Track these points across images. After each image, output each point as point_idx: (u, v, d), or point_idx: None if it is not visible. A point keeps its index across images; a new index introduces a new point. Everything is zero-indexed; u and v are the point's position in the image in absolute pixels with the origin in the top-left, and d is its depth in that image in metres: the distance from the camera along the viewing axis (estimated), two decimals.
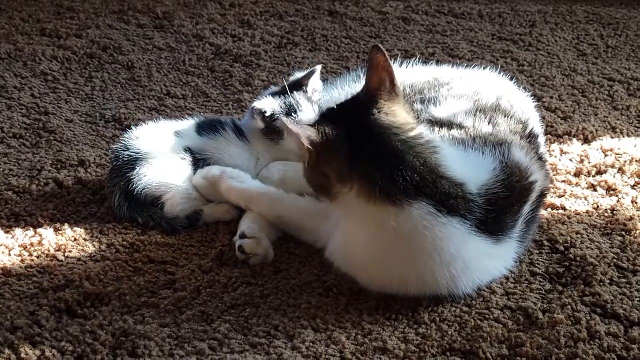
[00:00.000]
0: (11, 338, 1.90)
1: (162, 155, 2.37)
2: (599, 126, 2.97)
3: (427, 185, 1.84)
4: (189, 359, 1.87)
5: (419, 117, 2.13)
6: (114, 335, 1.92)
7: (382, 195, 1.83)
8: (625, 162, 2.71)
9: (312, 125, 1.89)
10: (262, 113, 2.40)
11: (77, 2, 4.28)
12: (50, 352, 1.87)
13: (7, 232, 2.33)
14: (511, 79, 3.12)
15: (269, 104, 2.41)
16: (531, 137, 2.24)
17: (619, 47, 3.79)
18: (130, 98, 3.22)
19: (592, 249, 2.24)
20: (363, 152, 1.86)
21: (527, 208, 2.06)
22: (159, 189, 2.34)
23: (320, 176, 1.92)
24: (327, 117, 1.94)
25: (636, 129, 2.98)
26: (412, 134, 1.89)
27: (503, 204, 1.95)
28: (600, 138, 2.88)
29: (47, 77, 3.39)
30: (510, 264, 2.09)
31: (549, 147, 2.81)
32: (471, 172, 1.93)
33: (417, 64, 2.61)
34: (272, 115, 2.42)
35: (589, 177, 2.64)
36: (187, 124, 2.48)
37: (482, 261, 1.98)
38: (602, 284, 2.11)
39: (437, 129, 2.11)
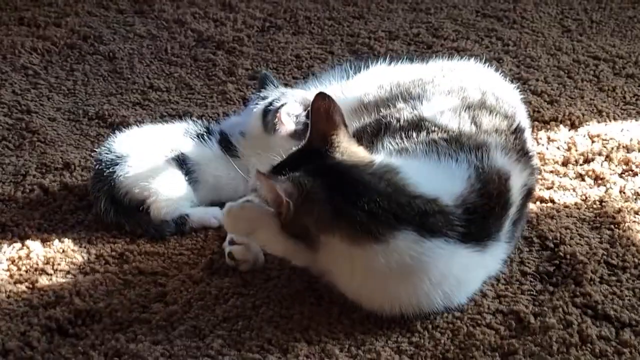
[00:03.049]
0: None
1: (145, 157, 2.35)
2: (586, 110, 2.96)
3: (403, 209, 1.83)
4: None
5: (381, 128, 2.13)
6: (107, 356, 1.92)
7: (365, 234, 1.83)
8: (612, 148, 2.71)
9: (282, 175, 1.89)
10: (292, 115, 2.42)
11: None
12: None
13: None
14: (497, 60, 3.13)
15: (293, 104, 2.42)
16: (517, 132, 2.22)
17: (603, 21, 3.77)
18: (113, 92, 3.19)
19: (582, 245, 2.24)
20: (339, 195, 1.85)
21: (512, 210, 2.05)
22: (142, 192, 2.31)
23: (300, 229, 1.90)
24: (285, 169, 1.93)
25: (622, 111, 2.98)
26: (373, 165, 1.90)
27: (482, 211, 1.94)
28: (587, 123, 2.87)
29: (27, 71, 3.35)
30: (499, 266, 2.08)
31: (536, 135, 2.80)
32: (443, 183, 1.93)
33: (403, 63, 2.56)
34: (297, 115, 2.44)
35: (577, 165, 2.64)
36: (174, 128, 2.45)
37: (473, 272, 1.99)
38: (592, 282, 2.11)
39: (414, 134, 2.08)
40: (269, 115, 2.42)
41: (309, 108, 2.16)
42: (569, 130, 2.85)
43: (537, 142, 2.77)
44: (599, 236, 2.30)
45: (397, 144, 2.07)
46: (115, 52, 3.49)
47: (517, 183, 2.08)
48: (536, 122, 2.88)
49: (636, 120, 2.91)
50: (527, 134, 2.31)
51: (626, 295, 2.08)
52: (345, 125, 1.95)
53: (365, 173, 1.89)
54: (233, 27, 3.74)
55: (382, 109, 2.28)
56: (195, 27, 3.73)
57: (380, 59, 2.63)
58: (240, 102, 3.10)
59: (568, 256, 2.20)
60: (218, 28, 3.73)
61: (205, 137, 2.43)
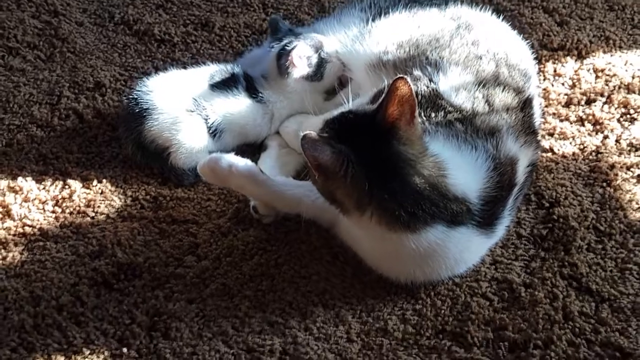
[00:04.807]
0: (59, 319, 2.17)
1: (170, 109, 2.51)
2: (594, 35, 3.08)
3: (440, 211, 2.03)
4: (216, 341, 2.15)
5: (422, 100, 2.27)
6: (148, 314, 2.20)
7: (402, 225, 2.02)
8: (614, 87, 2.86)
9: (330, 145, 1.98)
10: (303, 57, 2.55)
11: None
12: (95, 334, 2.15)
13: (38, 182, 2.53)
14: None
15: (304, 47, 2.55)
16: (526, 108, 2.38)
17: None
18: None
19: (574, 207, 2.47)
20: (383, 187, 2.00)
21: (516, 189, 2.26)
22: (165, 142, 2.51)
23: (333, 197, 2.08)
24: (341, 135, 2.03)
25: (629, 37, 3.09)
26: (426, 161, 2.04)
27: (496, 200, 2.16)
28: (594, 54, 3.00)
29: None
30: (501, 236, 2.32)
31: (544, 67, 2.94)
32: (470, 179, 2.11)
33: (410, 9, 2.64)
34: (309, 57, 2.57)
35: (578, 106, 2.80)
36: (200, 75, 2.58)
37: (481, 251, 2.25)
38: (580, 250, 2.36)
39: (433, 114, 2.24)
40: (282, 58, 2.56)
41: (321, 51, 2.48)
42: (576, 61, 2.97)
43: (544, 76, 2.91)
44: (591, 195, 2.52)
45: (420, 123, 2.21)
46: None
47: (523, 164, 2.28)
48: (545, 51, 2.99)
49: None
50: (536, 102, 2.47)
51: (609, 267, 2.33)
52: (414, 116, 2.02)
53: (416, 173, 2.02)
54: None
55: (400, 73, 2.40)
56: None
57: (398, 1, 2.69)
58: (260, 7, 3.19)
59: (561, 219, 2.43)
60: None
61: (232, 87, 2.55)
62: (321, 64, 2.56)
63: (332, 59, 2.58)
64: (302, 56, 2.54)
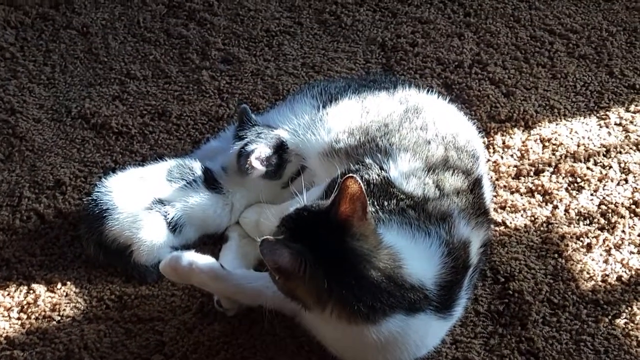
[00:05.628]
0: None
1: (130, 208, 2.57)
2: (539, 105, 3.19)
3: (398, 301, 2.10)
4: None
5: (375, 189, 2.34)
6: None
7: (362, 318, 2.08)
8: (561, 157, 2.97)
9: (287, 247, 2.04)
10: (261, 159, 2.60)
11: None
12: None
13: (2, 288, 2.57)
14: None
15: (262, 148, 2.61)
16: (476, 189, 2.46)
17: None
18: (92, 82, 3.33)
19: (529, 280, 2.56)
20: (341, 283, 2.06)
21: (470, 270, 2.34)
22: (127, 240, 2.56)
23: (293, 295, 2.15)
24: (297, 233, 2.11)
25: (572, 104, 3.21)
26: (381, 254, 2.10)
27: (452, 284, 2.23)
28: (539, 124, 3.11)
29: (4, 53, 3.44)
30: (459, 316, 2.39)
31: (493, 139, 3.04)
32: (425, 267, 2.18)
33: (369, 90, 2.74)
34: (268, 157, 2.63)
35: (528, 177, 2.91)
36: (158, 171, 2.64)
37: (440, 334, 2.32)
38: (535, 324, 2.45)
39: (386, 202, 2.31)
40: (242, 159, 2.62)
41: (281, 147, 2.58)
42: (523, 132, 3.07)
43: (494, 149, 3.01)
44: (544, 267, 2.61)
45: (373, 212, 2.28)
46: (88, 26, 3.57)
47: (475, 246, 2.36)
48: (493, 123, 3.10)
49: (583, 117, 3.14)
50: (485, 181, 2.56)
51: (564, 339, 2.43)
52: (365, 212, 2.07)
53: (372, 267, 2.08)
54: None
55: (351, 162, 2.48)
56: None
57: (348, 86, 2.77)
58: (215, 93, 3.27)
59: (516, 294, 2.52)
60: None
61: (191, 180, 2.61)
62: (281, 164, 2.63)
63: (291, 159, 2.64)
64: (261, 159, 2.60)
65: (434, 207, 2.33)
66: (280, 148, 2.64)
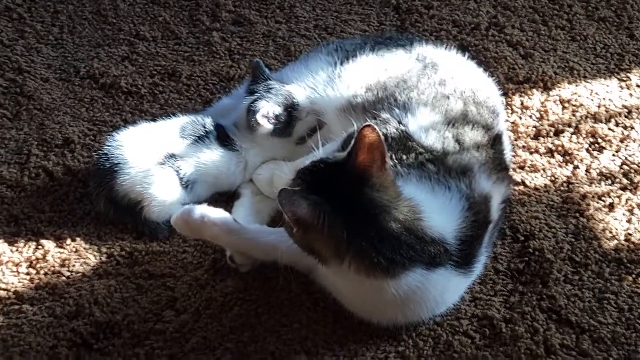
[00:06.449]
0: None
1: (141, 163, 2.50)
2: (558, 67, 3.12)
3: (419, 254, 2.04)
4: None
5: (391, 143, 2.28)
6: None
7: (381, 272, 2.02)
8: (581, 118, 2.90)
9: (305, 198, 1.98)
10: (269, 117, 2.54)
11: None
12: None
13: (10, 244, 2.50)
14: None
15: (269, 106, 2.54)
16: (496, 145, 2.40)
17: None
18: (101, 43, 3.26)
19: (549, 239, 2.49)
20: (360, 235, 2.00)
21: (491, 227, 2.28)
22: (138, 196, 2.50)
23: (310, 248, 2.08)
24: (314, 186, 2.05)
25: (592, 66, 3.14)
26: (401, 205, 2.04)
27: (473, 239, 2.17)
28: (559, 85, 3.04)
29: (11, 14, 3.38)
30: (479, 273, 2.33)
31: (511, 100, 2.97)
32: (445, 221, 2.12)
33: (388, 47, 2.67)
34: (277, 115, 2.56)
35: (547, 138, 2.84)
36: (170, 127, 2.57)
37: (460, 290, 2.27)
38: (557, 283, 2.38)
39: (404, 157, 2.25)
40: (250, 115, 2.55)
41: (291, 105, 2.51)
42: (542, 93, 3.01)
43: (512, 110, 2.94)
44: (566, 226, 2.54)
45: (392, 166, 2.21)
46: None
47: (496, 201, 2.30)
48: (511, 85, 3.03)
49: (604, 79, 3.08)
50: (506, 138, 2.49)
51: (587, 298, 2.36)
52: (384, 162, 2.02)
53: (391, 219, 2.03)
54: None
55: (369, 118, 2.42)
56: None
57: (365, 44, 2.71)
58: (227, 55, 3.20)
59: (537, 253, 2.45)
60: None
61: (204, 138, 2.54)
62: (290, 122, 2.56)
63: (302, 117, 2.58)
64: (268, 115, 2.54)
65: (454, 161, 2.27)
66: (291, 106, 2.55)
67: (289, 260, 2.24)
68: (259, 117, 2.53)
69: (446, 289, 2.17)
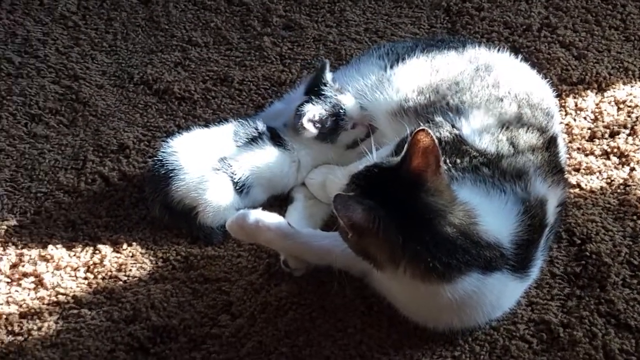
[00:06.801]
0: None
1: (195, 168, 2.52)
2: (612, 67, 3.08)
3: (474, 258, 2.02)
4: None
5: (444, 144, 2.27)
6: None
7: (437, 276, 2.01)
8: (637, 119, 2.86)
9: (360, 203, 1.98)
10: (314, 121, 2.55)
11: None
12: None
13: (68, 249, 2.54)
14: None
15: (316, 111, 2.54)
16: (551, 147, 2.37)
17: None
18: (154, 49, 3.30)
19: (606, 242, 2.46)
20: (415, 239, 1.99)
21: (547, 230, 2.25)
22: (192, 201, 2.52)
23: (365, 252, 2.08)
24: (368, 190, 2.05)
25: None
26: (456, 209, 2.02)
27: (529, 243, 2.15)
28: (613, 86, 3.00)
29: (66, 21, 3.43)
30: (535, 277, 2.31)
31: (565, 102, 2.94)
32: (501, 224, 2.10)
33: (438, 49, 2.66)
34: (322, 120, 2.57)
35: (602, 139, 2.80)
36: (223, 132, 2.59)
37: (516, 295, 2.25)
38: (615, 286, 2.35)
39: (458, 160, 2.24)
40: (296, 118, 2.57)
41: (339, 114, 2.51)
42: (596, 94, 2.97)
43: (566, 111, 2.91)
44: (623, 229, 2.51)
45: (445, 170, 2.20)
46: None
47: (552, 204, 2.28)
48: (564, 86, 3.00)
49: None
50: (560, 140, 2.47)
51: None
52: (439, 165, 2.01)
53: (446, 223, 2.02)
54: None
55: (421, 121, 2.41)
56: None
57: (416, 46, 2.70)
58: (277, 59, 3.22)
59: (594, 256, 2.42)
60: None
61: (257, 139, 2.56)
62: (336, 129, 2.57)
63: (347, 127, 2.60)
64: (313, 120, 2.55)
65: (509, 164, 2.25)
66: (337, 114, 2.56)
67: (342, 264, 2.24)
68: (304, 120, 2.54)
69: (502, 293, 2.16)
